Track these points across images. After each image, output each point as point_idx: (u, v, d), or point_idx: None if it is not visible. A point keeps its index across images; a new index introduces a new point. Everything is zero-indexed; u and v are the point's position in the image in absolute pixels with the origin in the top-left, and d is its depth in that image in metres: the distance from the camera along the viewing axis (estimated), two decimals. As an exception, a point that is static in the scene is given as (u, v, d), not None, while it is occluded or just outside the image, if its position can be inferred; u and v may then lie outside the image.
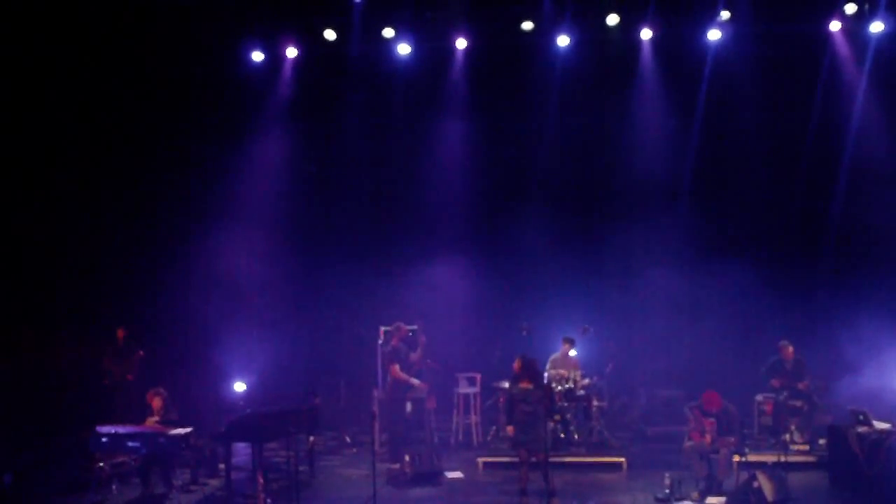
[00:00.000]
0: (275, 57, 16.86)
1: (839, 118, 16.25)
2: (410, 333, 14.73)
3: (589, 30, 16.12)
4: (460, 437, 15.37)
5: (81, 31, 15.46)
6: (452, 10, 16.08)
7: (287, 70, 17.00)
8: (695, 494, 11.93)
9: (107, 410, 14.43)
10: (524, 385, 11.91)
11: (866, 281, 15.60)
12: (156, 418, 12.63)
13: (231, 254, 16.33)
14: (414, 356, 14.48)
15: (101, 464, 12.77)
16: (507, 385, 14.47)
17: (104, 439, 11.96)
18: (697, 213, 16.56)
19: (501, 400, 14.75)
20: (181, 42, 15.87)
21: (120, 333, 15.36)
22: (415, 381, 14.21)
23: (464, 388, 15.37)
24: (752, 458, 12.50)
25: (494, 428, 14.87)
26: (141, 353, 15.45)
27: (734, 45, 16.00)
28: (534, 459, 11.77)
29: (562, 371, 14.29)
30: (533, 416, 11.73)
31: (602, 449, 14.00)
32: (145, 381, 13.94)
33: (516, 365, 12.07)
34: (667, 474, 12.09)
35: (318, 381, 15.68)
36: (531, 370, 12.03)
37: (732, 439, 12.03)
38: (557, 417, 13.73)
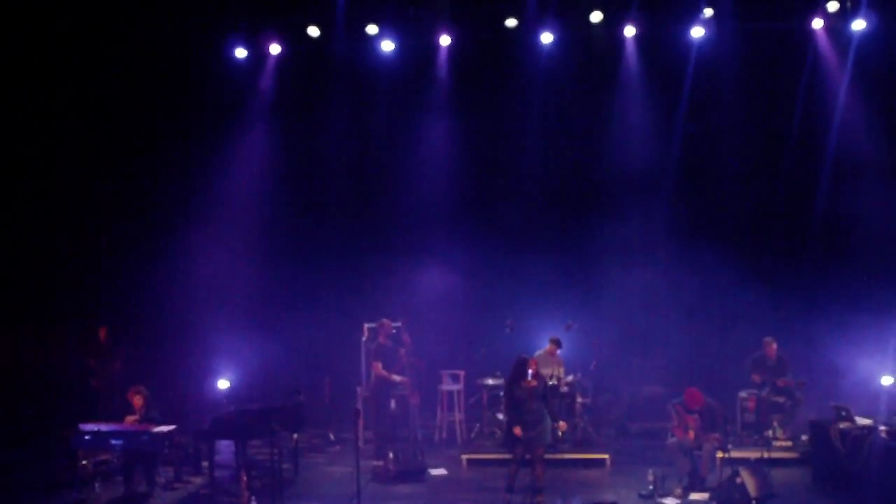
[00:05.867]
0: (258, 53, 16.81)
1: (822, 114, 16.30)
2: (394, 330, 14.72)
3: (573, 27, 16.15)
4: (444, 434, 15.39)
5: (60, 27, 15.39)
6: (436, 6, 16.07)
7: (270, 67, 16.95)
8: (678, 490, 11.98)
9: (90, 409, 14.37)
10: (529, 384, 11.80)
11: (850, 277, 15.66)
12: (135, 417, 12.56)
13: (214, 251, 16.27)
14: (402, 352, 14.49)
15: (84, 462, 12.71)
16: (490, 382, 14.54)
17: (87, 437, 11.93)
18: (681, 209, 16.60)
19: (485, 397, 14.78)
20: (163, 38, 15.81)
21: (102, 332, 15.29)
22: (396, 378, 14.16)
23: (448, 385, 15.39)
24: (735, 454, 12.52)
25: (478, 425, 14.87)
26: (124, 352, 15.36)
27: (717, 43, 16.05)
28: (528, 456, 11.75)
29: (545, 370, 14.29)
30: (539, 412, 11.70)
31: (586, 445, 14.01)
32: (130, 379, 13.87)
33: (532, 365, 11.84)
34: (650, 470, 12.13)
35: (301, 378, 15.64)
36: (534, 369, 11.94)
37: (715, 435, 12.08)
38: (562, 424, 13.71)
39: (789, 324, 15.33)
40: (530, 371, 11.81)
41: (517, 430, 11.81)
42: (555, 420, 11.89)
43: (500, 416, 14.05)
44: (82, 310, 16.02)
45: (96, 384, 15.22)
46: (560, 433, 11.98)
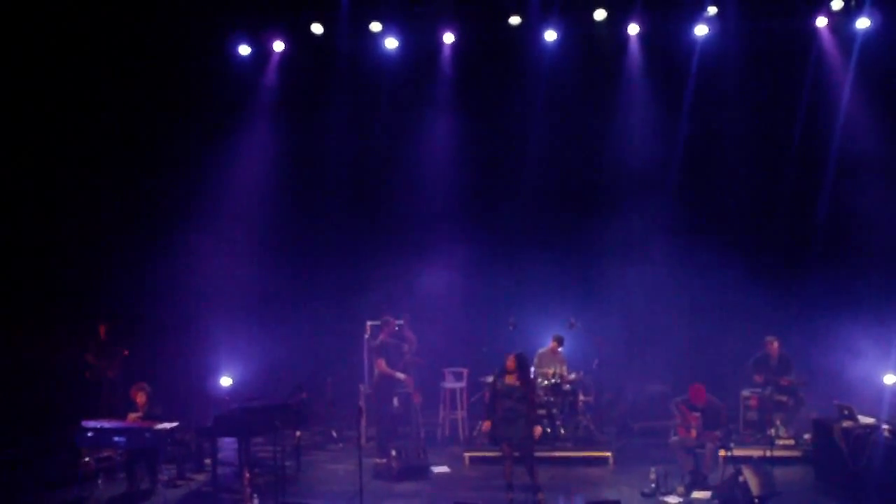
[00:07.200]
0: (262, 51, 16.81)
1: (826, 113, 16.30)
2: (397, 328, 14.72)
3: (576, 24, 16.14)
4: (447, 431, 15.38)
5: (63, 24, 15.40)
6: (439, 4, 16.06)
7: (274, 64, 16.95)
8: (681, 489, 11.99)
9: (91, 406, 14.38)
10: (510, 381, 11.85)
11: (853, 276, 15.67)
12: (138, 414, 12.55)
13: (217, 248, 16.28)
14: (405, 348, 14.50)
15: (87, 459, 12.74)
16: (493, 380, 14.51)
17: (90, 434, 11.91)
18: (684, 207, 16.57)
19: (488, 395, 14.75)
20: (166, 35, 15.81)
21: (102, 329, 15.26)
22: (400, 375, 14.18)
23: (450, 383, 15.39)
24: (738, 452, 12.55)
25: (480, 423, 14.86)
26: (125, 351, 15.33)
27: (721, 41, 16.06)
28: (517, 454, 11.76)
29: (547, 370, 14.31)
30: (515, 412, 11.68)
31: (588, 443, 14.02)
32: (131, 376, 13.88)
33: (511, 362, 11.90)
34: (653, 469, 12.15)
35: (304, 375, 15.63)
36: (522, 367, 11.96)
37: (718, 434, 12.09)
38: (543, 412, 13.70)
39: (792, 322, 15.36)
40: (508, 367, 11.83)
41: (486, 425, 11.94)
42: (532, 423, 11.86)
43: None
44: (84, 307, 16.02)
45: (89, 376, 15.17)
46: (537, 435, 11.96)
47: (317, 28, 16.26)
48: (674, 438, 12.50)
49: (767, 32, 15.84)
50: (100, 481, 12.77)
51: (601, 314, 15.85)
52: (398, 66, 16.65)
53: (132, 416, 12.57)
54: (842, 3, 15.56)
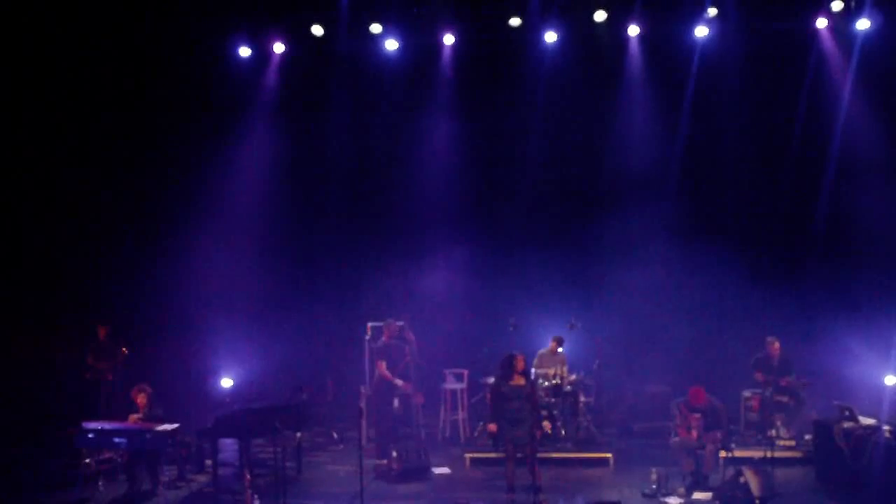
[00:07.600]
0: (262, 52, 16.80)
1: (826, 114, 16.31)
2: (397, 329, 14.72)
3: (576, 26, 16.14)
4: (447, 432, 15.37)
5: (64, 25, 15.41)
6: (440, 5, 16.06)
7: (274, 66, 16.95)
8: (681, 490, 11.99)
9: (92, 407, 14.38)
10: (517, 382, 11.83)
11: (853, 276, 15.68)
12: (139, 415, 12.55)
13: (217, 250, 16.28)
14: (407, 350, 14.49)
15: (88, 460, 12.72)
16: (493, 381, 14.50)
17: (90, 435, 11.90)
18: (685, 208, 16.57)
19: (488, 396, 14.76)
20: (167, 36, 15.82)
21: (101, 330, 15.25)
22: (398, 382, 14.09)
23: (451, 384, 15.38)
24: (739, 453, 12.57)
25: (481, 424, 14.86)
26: (125, 350, 15.33)
27: (721, 42, 16.05)
28: (519, 455, 11.75)
29: (548, 370, 14.31)
30: (523, 412, 11.70)
31: (589, 444, 14.00)
32: (131, 377, 13.88)
33: (521, 363, 11.87)
34: (653, 470, 12.14)
35: (305, 376, 15.64)
36: (526, 367, 12.00)
37: (718, 434, 12.09)
38: (543, 413, 13.70)
39: (792, 323, 15.33)
40: (519, 368, 11.81)
41: (491, 427, 11.90)
42: (539, 421, 11.91)
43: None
44: (84, 308, 16.02)
45: (89, 377, 15.16)
46: (539, 435, 11.99)
47: (317, 30, 16.26)
48: (674, 439, 12.50)
49: (768, 33, 15.84)
50: (100, 483, 12.74)
51: (601, 315, 15.87)
52: (398, 67, 16.66)
53: (133, 417, 12.57)
54: (842, 5, 15.56)
